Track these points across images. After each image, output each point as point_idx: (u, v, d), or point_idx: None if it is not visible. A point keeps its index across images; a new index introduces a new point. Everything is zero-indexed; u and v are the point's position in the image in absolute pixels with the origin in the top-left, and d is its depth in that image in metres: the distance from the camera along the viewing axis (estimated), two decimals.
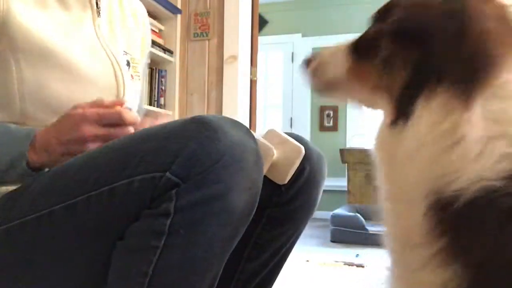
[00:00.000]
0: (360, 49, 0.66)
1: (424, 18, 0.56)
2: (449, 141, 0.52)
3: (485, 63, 0.52)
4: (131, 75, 0.94)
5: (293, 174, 0.84)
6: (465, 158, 0.51)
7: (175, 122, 0.64)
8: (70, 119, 0.72)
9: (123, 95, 0.88)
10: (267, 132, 0.83)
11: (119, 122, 0.71)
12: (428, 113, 0.54)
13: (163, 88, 2.94)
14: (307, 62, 0.74)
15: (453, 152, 0.52)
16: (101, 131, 0.70)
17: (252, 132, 0.69)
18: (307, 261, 2.57)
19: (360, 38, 0.68)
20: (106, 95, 0.85)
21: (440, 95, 0.53)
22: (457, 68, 0.53)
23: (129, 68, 0.93)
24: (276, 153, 0.79)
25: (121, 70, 0.88)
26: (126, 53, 0.94)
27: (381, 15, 0.65)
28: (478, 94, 0.52)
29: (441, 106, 0.53)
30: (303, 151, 0.81)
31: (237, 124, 0.65)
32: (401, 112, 0.57)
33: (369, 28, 0.67)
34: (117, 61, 0.88)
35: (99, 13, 0.90)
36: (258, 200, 0.65)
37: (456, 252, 0.50)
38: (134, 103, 0.96)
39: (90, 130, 0.70)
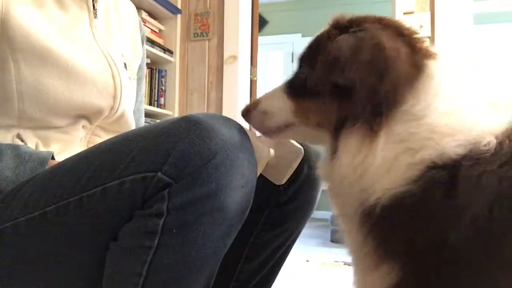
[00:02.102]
0: (297, 92, 0.73)
1: (342, 75, 0.65)
2: (365, 166, 0.62)
3: (390, 104, 0.62)
4: (129, 77, 0.95)
5: (292, 174, 0.83)
6: (378, 175, 0.61)
7: (166, 121, 0.64)
8: None
9: (120, 95, 0.88)
10: None
11: None
12: (346, 150, 0.64)
13: (163, 88, 2.94)
14: (246, 112, 0.77)
15: (368, 174, 0.62)
16: None
17: (248, 130, 0.68)
18: (307, 261, 2.57)
19: (293, 80, 0.75)
20: (104, 95, 0.85)
21: (354, 134, 0.63)
22: (364, 110, 0.63)
23: (126, 70, 0.94)
24: (274, 153, 0.78)
25: (118, 70, 0.88)
26: (123, 55, 0.95)
27: (309, 59, 0.73)
28: (381, 128, 0.62)
29: (355, 143, 0.63)
30: (302, 152, 0.81)
31: (229, 122, 0.65)
32: (334, 148, 0.66)
33: (299, 71, 0.75)
34: (114, 62, 0.88)
35: (96, 14, 0.90)
36: (252, 198, 0.65)
37: (385, 251, 0.60)
38: (131, 103, 0.96)
39: None
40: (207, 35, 2.94)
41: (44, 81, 0.77)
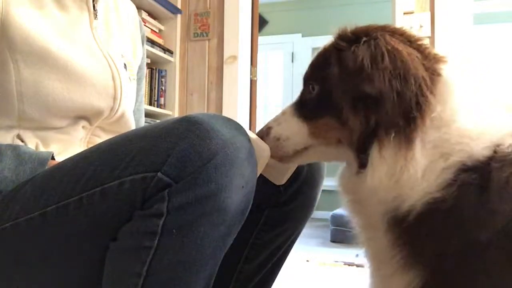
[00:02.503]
0: (311, 113, 0.71)
1: (368, 84, 0.64)
2: (402, 175, 0.62)
3: (420, 110, 0.62)
4: (129, 77, 0.94)
5: (291, 174, 0.83)
6: (412, 182, 0.61)
7: (165, 121, 0.63)
8: None
9: (120, 96, 0.88)
10: None
11: None
12: (382, 161, 0.63)
13: (163, 88, 2.94)
14: (262, 137, 0.75)
15: (403, 182, 0.62)
16: None
17: (248, 131, 0.68)
18: (307, 261, 2.57)
19: (303, 102, 0.73)
20: (104, 96, 0.85)
21: (389, 145, 0.63)
22: (397, 121, 0.63)
23: (126, 70, 0.94)
24: None
25: (118, 71, 0.88)
26: (123, 56, 0.94)
27: (317, 76, 0.72)
28: (416, 135, 0.62)
29: (391, 154, 0.63)
30: None
31: (228, 121, 0.65)
32: (362, 162, 0.66)
33: (308, 91, 0.72)
34: (114, 63, 0.88)
35: (96, 15, 0.90)
36: (252, 198, 0.65)
37: (415, 256, 0.60)
38: (131, 104, 0.96)
39: None
40: (207, 35, 2.94)
41: (44, 82, 0.77)
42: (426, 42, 0.70)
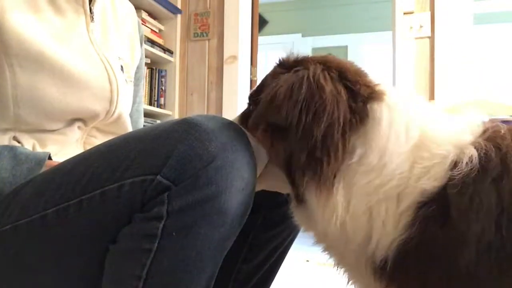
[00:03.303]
0: (247, 125, 0.71)
1: (272, 110, 0.64)
2: (337, 224, 0.61)
3: (322, 153, 0.60)
4: (125, 80, 0.94)
5: None
6: (363, 231, 0.60)
7: (164, 123, 0.63)
8: None
9: (117, 98, 0.88)
10: None
11: None
12: (313, 201, 0.62)
13: (163, 88, 2.94)
14: None
15: (348, 230, 0.61)
16: None
17: (247, 133, 0.68)
18: (307, 261, 2.57)
19: (245, 113, 0.74)
20: (100, 99, 0.85)
21: (308, 188, 0.62)
22: (300, 154, 0.61)
23: (123, 72, 0.93)
24: None
25: (114, 74, 0.88)
26: (120, 58, 0.94)
27: (254, 98, 0.72)
28: (335, 179, 0.60)
29: (313, 199, 0.62)
30: None
31: (228, 123, 0.64)
32: (297, 195, 0.65)
33: (247, 108, 0.74)
34: (110, 66, 0.88)
35: (93, 18, 0.90)
36: (252, 200, 0.65)
37: None
38: (127, 106, 0.96)
39: None
40: (207, 35, 2.94)
41: (40, 86, 0.77)
42: (371, 79, 0.67)
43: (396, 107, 0.63)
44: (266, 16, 5.09)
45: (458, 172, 0.56)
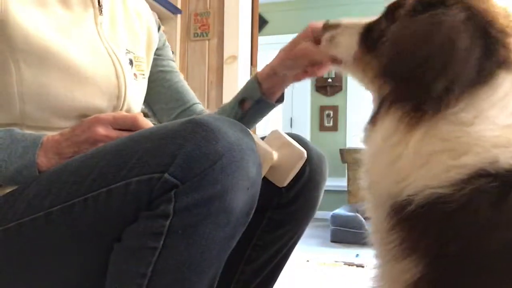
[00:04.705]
0: (368, 40, 0.71)
1: (398, 60, 0.63)
2: (395, 154, 0.61)
3: (435, 97, 0.60)
4: (134, 74, 0.92)
5: (294, 176, 0.83)
6: (411, 169, 0.59)
7: (171, 123, 0.64)
8: (84, 121, 0.73)
9: (125, 94, 0.87)
10: (270, 133, 0.83)
11: (132, 127, 0.71)
12: (382, 127, 0.63)
13: None
14: (325, 28, 0.78)
15: (401, 163, 0.60)
16: (113, 133, 0.71)
17: (252, 133, 0.68)
18: (307, 261, 2.57)
19: (371, 27, 0.73)
20: (107, 95, 0.84)
21: (393, 113, 0.62)
22: (411, 99, 0.61)
23: (132, 66, 0.92)
24: (277, 155, 0.78)
25: (122, 69, 0.87)
26: (129, 51, 0.92)
27: (391, 12, 0.71)
28: (424, 121, 0.60)
29: (391, 123, 0.62)
30: (305, 156, 0.81)
31: (234, 123, 0.65)
32: (375, 116, 0.65)
33: (379, 20, 0.72)
34: (118, 60, 0.86)
35: (101, 11, 0.88)
36: (257, 200, 0.65)
37: (410, 247, 0.59)
38: (137, 102, 0.94)
39: (102, 130, 0.70)
40: (207, 35, 2.94)
41: (46, 82, 0.76)
42: None
43: None
44: (266, 16, 5.09)
45: None
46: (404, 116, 0.61)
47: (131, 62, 0.92)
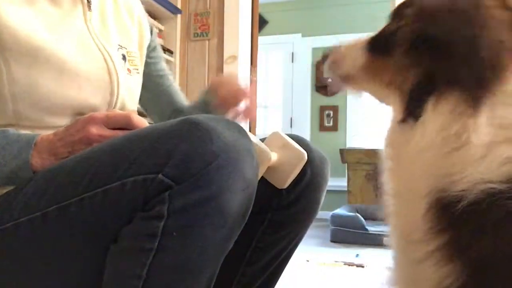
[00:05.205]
0: (377, 46, 0.69)
1: (437, 26, 0.58)
2: (455, 144, 0.54)
3: (494, 72, 0.54)
4: (128, 69, 0.91)
5: (295, 178, 0.83)
6: (469, 161, 0.53)
7: (167, 123, 0.63)
8: (78, 121, 0.72)
9: (118, 90, 0.86)
10: (270, 135, 0.82)
11: (126, 125, 0.71)
12: (437, 115, 0.56)
13: None
14: (327, 55, 0.77)
15: (458, 154, 0.54)
16: (107, 132, 0.70)
17: (250, 134, 0.68)
18: (307, 261, 2.57)
19: (378, 35, 0.71)
20: (100, 92, 0.83)
21: (449, 99, 0.55)
22: (467, 75, 0.55)
23: (125, 62, 0.91)
24: (277, 157, 0.78)
25: (114, 65, 0.86)
26: (121, 46, 0.91)
27: (399, 13, 0.67)
28: (485, 101, 0.54)
29: (449, 110, 0.55)
30: (305, 157, 0.80)
31: (230, 123, 0.64)
32: (411, 111, 0.59)
33: (387, 26, 0.69)
34: (110, 56, 0.86)
35: (90, 7, 0.87)
36: (253, 201, 0.65)
37: (455, 251, 0.52)
38: (132, 98, 0.93)
39: (96, 130, 0.70)
40: (207, 35, 2.94)
41: (37, 81, 0.75)
42: None
43: None
44: (266, 16, 5.09)
45: None
46: (464, 99, 0.54)
47: (124, 58, 0.91)
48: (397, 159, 0.62)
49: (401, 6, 0.68)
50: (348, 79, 0.74)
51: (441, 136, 0.55)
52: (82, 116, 0.73)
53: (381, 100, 0.72)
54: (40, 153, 0.71)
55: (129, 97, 0.90)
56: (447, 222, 0.53)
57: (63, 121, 0.80)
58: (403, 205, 0.61)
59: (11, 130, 0.73)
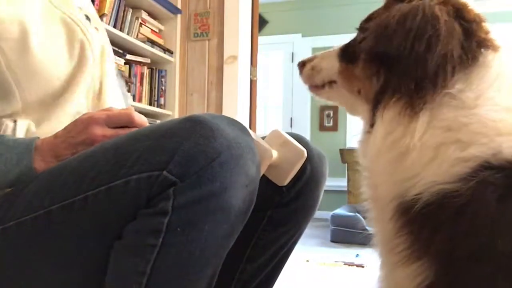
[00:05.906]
0: (347, 55, 0.74)
1: (387, 41, 0.63)
2: (400, 149, 0.59)
3: (436, 80, 0.59)
4: (96, 28, 0.91)
5: (294, 175, 0.83)
6: (419, 164, 0.57)
7: (170, 121, 0.64)
8: (78, 122, 0.72)
9: (92, 48, 0.85)
10: (270, 133, 0.83)
11: (128, 123, 0.72)
12: (382, 123, 0.61)
13: (163, 88, 2.94)
14: (302, 64, 0.82)
15: (407, 159, 0.58)
16: (109, 132, 0.71)
17: (251, 131, 0.69)
18: (307, 261, 2.57)
19: (347, 45, 0.76)
20: (81, 54, 0.83)
21: (393, 107, 0.60)
22: (408, 85, 0.60)
23: (90, 22, 0.90)
24: (277, 155, 0.78)
25: (83, 27, 0.84)
26: (81, 8, 0.90)
27: (363, 26, 0.73)
28: (426, 105, 0.58)
29: (392, 117, 0.60)
30: (305, 155, 0.81)
31: (232, 122, 0.65)
32: (371, 121, 0.64)
33: (356, 36, 0.75)
34: (77, 21, 0.84)
35: None
36: (255, 197, 0.65)
37: (420, 250, 0.56)
38: (108, 52, 0.93)
39: (98, 131, 0.70)
40: (207, 35, 2.94)
41: (31, 61, 0.75)
42: (488, 27, 0.64)
43: (509, 63, 0.62)
44: (266, 16, 5.09)
45: None
46: (404, 106, 0.59)
47: (87, 18, 0.91)
48: (367, 168, 0.67)
49: (367, 19, 0.74)
50: (321, 88, 0.80)
51: (387, 142, 0.60)
52: (80, 116, 0.73)
53: (353, 112, 0.77)
54: (43, 157, 0.71)
55: (106, 53, 0.91)
56: (409, 225, 0.57)
57: (64, 107, 0.80)
58: (378, 212, 0.65)
59: (6, 136, 0.74)
